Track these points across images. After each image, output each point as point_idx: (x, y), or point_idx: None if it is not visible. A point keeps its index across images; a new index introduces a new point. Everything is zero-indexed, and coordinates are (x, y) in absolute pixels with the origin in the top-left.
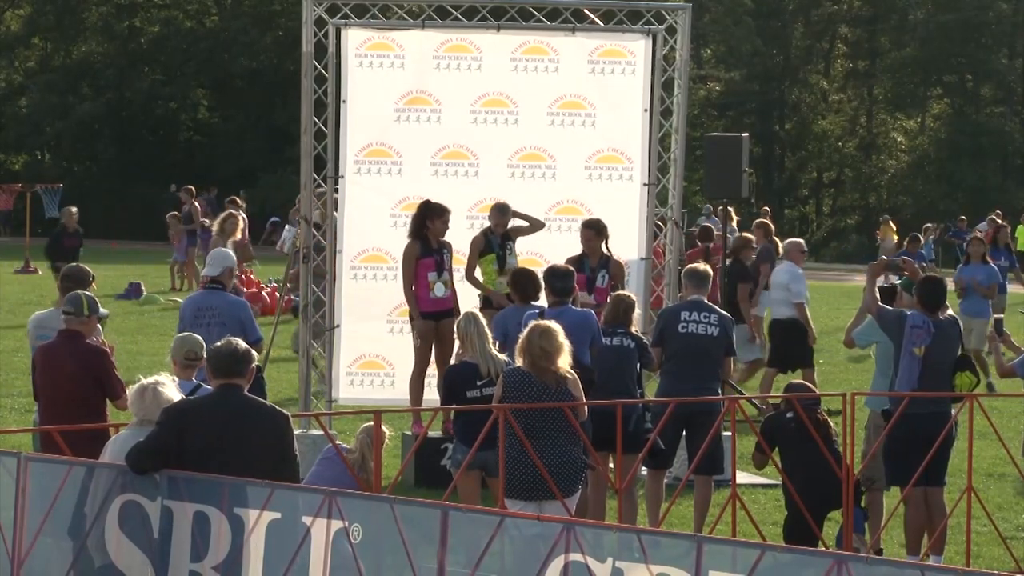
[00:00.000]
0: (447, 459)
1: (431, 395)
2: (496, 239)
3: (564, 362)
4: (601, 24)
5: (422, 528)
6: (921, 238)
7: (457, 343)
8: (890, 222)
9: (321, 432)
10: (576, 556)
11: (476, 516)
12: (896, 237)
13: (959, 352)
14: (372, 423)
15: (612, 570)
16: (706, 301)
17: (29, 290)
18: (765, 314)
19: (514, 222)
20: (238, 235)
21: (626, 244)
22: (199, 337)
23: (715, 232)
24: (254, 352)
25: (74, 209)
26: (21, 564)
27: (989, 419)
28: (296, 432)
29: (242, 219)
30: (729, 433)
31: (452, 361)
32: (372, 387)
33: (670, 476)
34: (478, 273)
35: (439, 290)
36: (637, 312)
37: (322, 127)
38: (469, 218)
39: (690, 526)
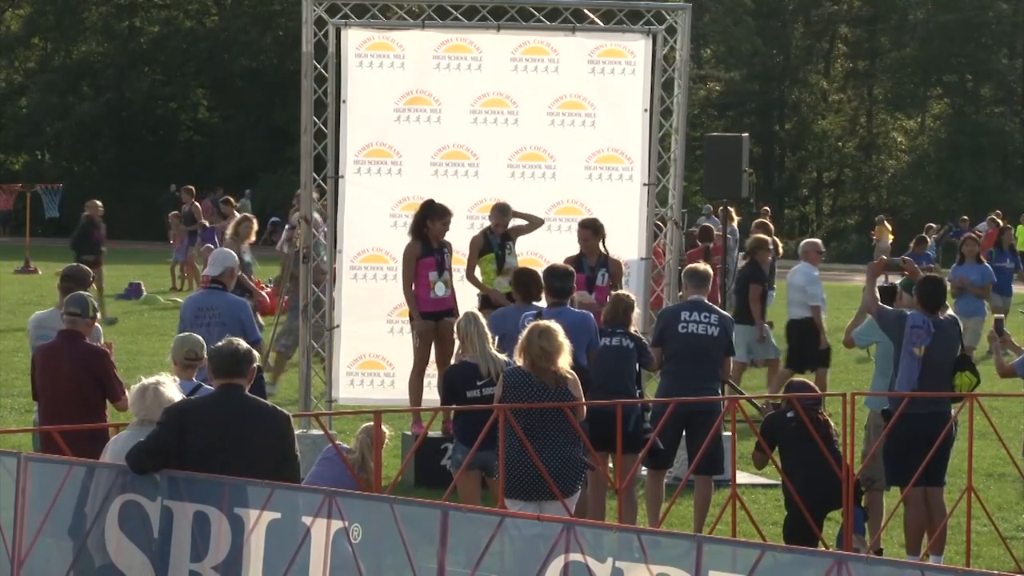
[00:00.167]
0: (447, 459)
1: (431, 395)
2: (496, 239)
3: (564, 362)
4: (601, 24)
5: (422, 528)
6: (928, 239)
7: (457, 343)
8: (885, 222)
9: (321, 432)
10: (576, 556)
11: (476, 516)
12: (892, 237)
13: (959, 352)
14: (372, 423)
15: (612, 570)
16: (706, 301)
17: (29, 290)
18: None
19: (514, 222)
20: (252, 238)
21: (626, 244)
22: (199, 337)
23: (715, 232)
24: (255, 352)
25: (99, 202)
26: (21, 564)
27: (989, 419)
28: (296, 432)
29: (254, 222)
30: (729, 433)
31: (452, 361)
32: (372, 387)
33: (670, 476)
34: (478, 273)
35: (440, 290)
36: (637, 312)
37: (322, 127)
38: (469, 218)
39: (690, 526)
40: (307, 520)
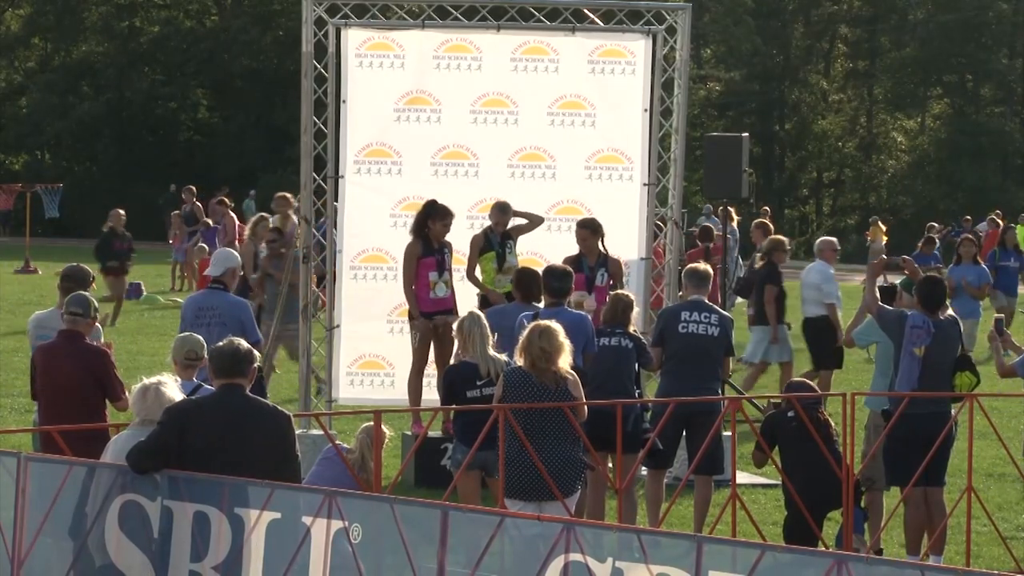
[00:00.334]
0: (447, 459)
1: (431, 395)
2: (496, 237)
3: (564, 362)
4: (601, 24)
5: (422, 528)
6: (936, 239)
7: (456, 343)
8: (879, 222)
9: (321, 432)
10: (576, 556)
11: (476, 516)
12: (886, 237)
13: (959, 352)
14: (372, 423)
15: (612, 570)
16: (706, 301)
17: (29, 290)
18: None
19: (514, 221)
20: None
21: (626, 244)
22: (200, 337)
23: (715, 232)
24: (256, 352)
25: (122, 212)
26: (21, 564)
27: (989, 419)
28: (296, 432)
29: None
30: (729, 433)
31: (452, 361)
32: (372, 387)
33: (670, 476)
34: (478, 272)
35: (440, 290)
36: (636, 312)
37: (322, 127)
38: (469, 218)
39: (690, 526)
40: (307, 520)
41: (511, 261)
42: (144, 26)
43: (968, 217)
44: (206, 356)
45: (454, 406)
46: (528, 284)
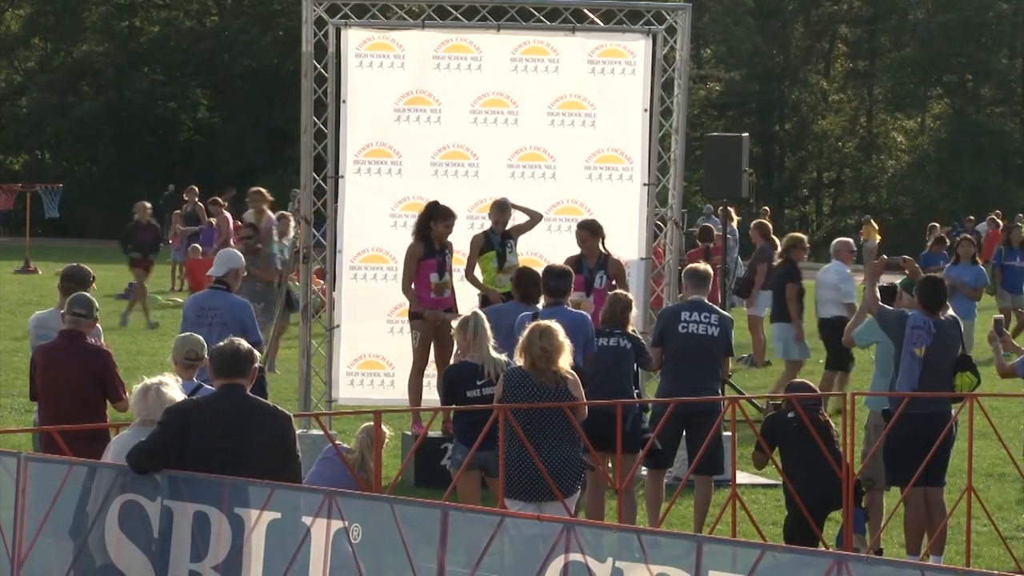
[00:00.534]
0: (447, 459)
1: (431, 395)
2: (496, 237)
3: (564, 362)
4: (601, 24)
5: (422, 528)
6: (946, 239)
7: (456, 343)
8: (871, 221)
9: (321, 432)
10: (576, 556)
11: (476, 516)
12: (879, 237)
13: (960, 352)
14: (372, 423)
15: (612, 570)
16: (706, 301)
17: (29, 290)
18: (765, 313)
19: (514, 220)
20: (291, 234)
21: (626, 244)
22: (200, 337)
23: (715, 232)
24: (257, 352)
25: (148, 204)
26: (21, 564)
27: (989, 419)
28: (296, 432)
29: (292, 218)
30: (729, 433)
31: (452, 361)
32: (372, 387)
33: (670, 476)
34: (478, 272)
35: (440, 291)
36: (636, 312)
37: (322, 127)
38: (469, 218)
39: (690, 526)
40: (307, 520)
41: (512, 260)
42: (144, 26)
43: (971, 217)
44: (206, 356)
45: (454, 406)
46: (527, 285)
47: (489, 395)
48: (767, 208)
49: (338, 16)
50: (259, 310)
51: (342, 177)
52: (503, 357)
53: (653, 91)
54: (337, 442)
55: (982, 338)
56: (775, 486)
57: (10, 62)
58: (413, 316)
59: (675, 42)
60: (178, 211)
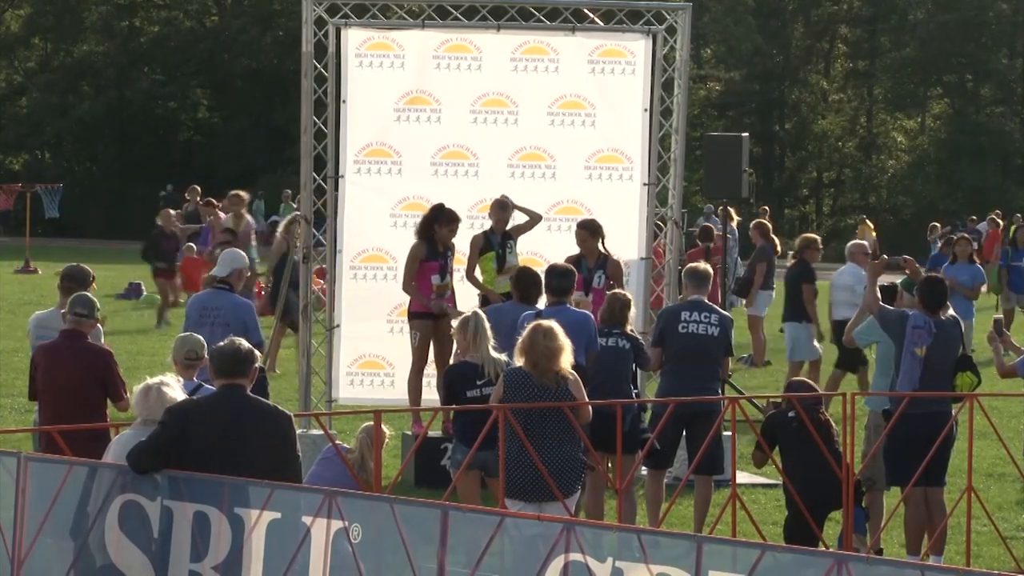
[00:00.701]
0: (447, 459)
1: (431, 395)
2: (496, 237)
3: (565, 362)
4: (601, 24)
5: (422, 528)
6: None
7: (456, 343)
8: (866, 221)
9: (321, 432)
10: (576, 556)
11: (476, 516)
12: (875, 236)
13: (960, 352)
14: (372, 423)
15: (612, 570)
16: (706, 301)
17: (29, 290)
18: (765, 313)
19: (514, 219)
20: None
21: (626, 244)
22: (200, 337)
23: (715, 232)
24: (257, 352)
25: (172, 211)
26: (21, 564)
27: (989, 419)
28: (296, 432)
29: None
30: (729, 433)
31: (451, 361)
32: (372, 387)
33: (670, 476)
34: (478, 272)
35: (441, 292)
36: (635, 312)
37: (322, 127)
38: (469, 218)
39: (690, 526)
40: (307, 520)
41: (511, 261)
42: (144, 26)
43: (974, 217)
44: (207, 356)
45: (454, 406)
46: (527, 285)
47: (489, 395)
48: (767, 208)
49: (338, 16)
50: None
51: (342, 177)
52: (503, 357)
53: (653, 91)
54: (337, 442)
55: (981, 338)
56: (775, 486)
57: (10, 62)
58: (413, 316)
59: (675, 42)
60: (178, 211)
